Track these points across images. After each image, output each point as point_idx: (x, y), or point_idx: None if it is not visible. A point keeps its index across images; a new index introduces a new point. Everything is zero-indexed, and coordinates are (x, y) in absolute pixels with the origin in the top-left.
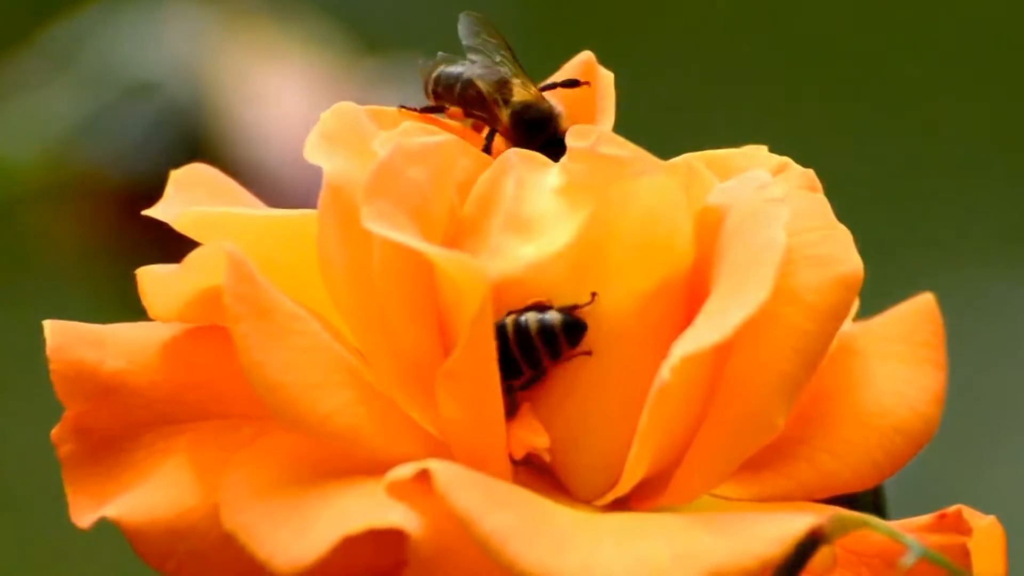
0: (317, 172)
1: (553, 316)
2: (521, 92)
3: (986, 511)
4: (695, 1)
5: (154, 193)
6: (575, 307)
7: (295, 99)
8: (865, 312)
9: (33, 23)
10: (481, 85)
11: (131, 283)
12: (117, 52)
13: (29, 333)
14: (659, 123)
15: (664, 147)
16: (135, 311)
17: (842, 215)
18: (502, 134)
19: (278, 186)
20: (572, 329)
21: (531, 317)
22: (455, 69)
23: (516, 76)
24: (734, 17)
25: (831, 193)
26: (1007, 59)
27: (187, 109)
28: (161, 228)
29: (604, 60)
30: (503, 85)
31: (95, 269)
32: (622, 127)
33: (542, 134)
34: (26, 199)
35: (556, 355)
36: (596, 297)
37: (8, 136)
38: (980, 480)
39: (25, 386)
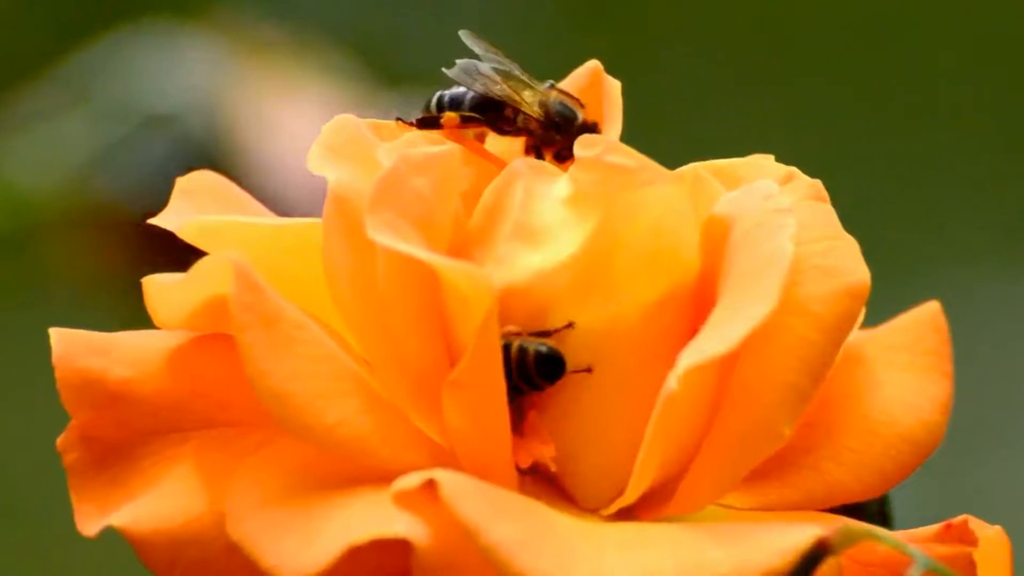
0: None
1: (532, 348)
2: (537, 92)
3: (986, 507)
4: (703, 7)
5: None
6: (546, 333)
7: (312, 132)
8: (867, 312)
9: (51, 54)
10: (498, 91)
11: (145, 312)
12: (134, 83)
13: (45, 362)
14: (666, 127)
15: (671, 151)
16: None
17: (843, 215)
18: (531, 134)
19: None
20: (547, 365)
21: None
22: (457, 89)
23: (525, 80)
24: (740, 21)
25: (832, 194)
26: (1008, 59)
27: (203, 141)
28: (176, 259)
29: (611, 65)
30: (518, 86)
31: (111, 299)
32: (628, 131)
33: (575, 122)
34: (43, 229)
35: (539, 387)
36: (573, 325)
37: (25, 166)
38: (981, 477)
39: (39, 406)
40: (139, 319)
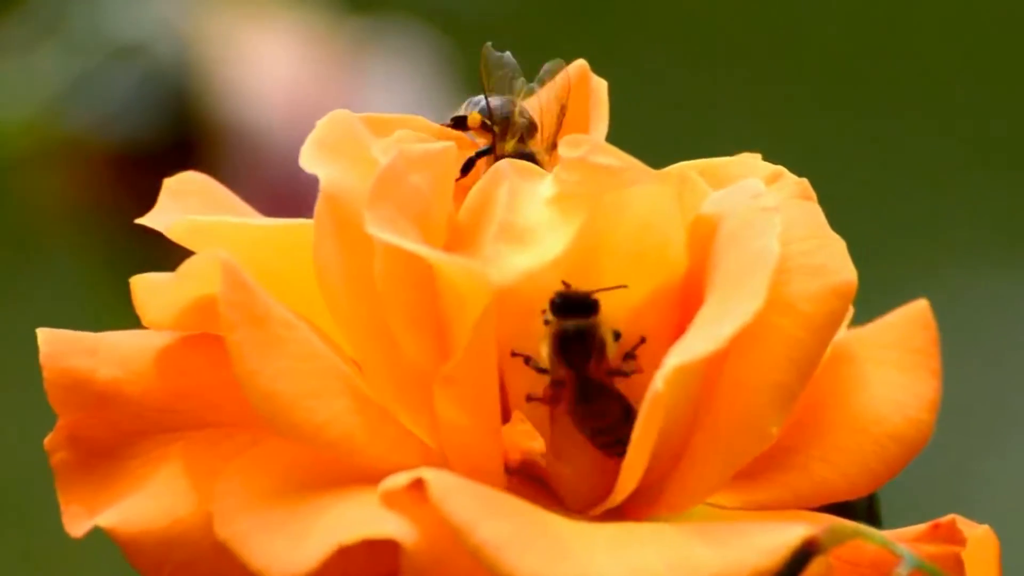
0: (303, 134)
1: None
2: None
3: (980, 508)
4: (693, 8)
5: (141, 155)
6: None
7: (281, 60)
8: (859, 313)
9: None
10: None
11: (121, 244)
12: (104, 15)
13: (20, 301)
14: (654, 125)
15: (659, 148)
16: (123, 286)
17: (838, 215)
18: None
19: (264, 147)
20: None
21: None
22: (497, 103)
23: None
24: (730, 18)
25: (827, 193)
26: (1006, 59)
27: (174, 70)
28: (149, 191)
29: (598, 62)
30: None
31: (84, 230)
32: (617, 129)
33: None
34: (15, 162)
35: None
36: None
37: None
38: (975, 478)
39: (23, 388)
40: (113, 251)
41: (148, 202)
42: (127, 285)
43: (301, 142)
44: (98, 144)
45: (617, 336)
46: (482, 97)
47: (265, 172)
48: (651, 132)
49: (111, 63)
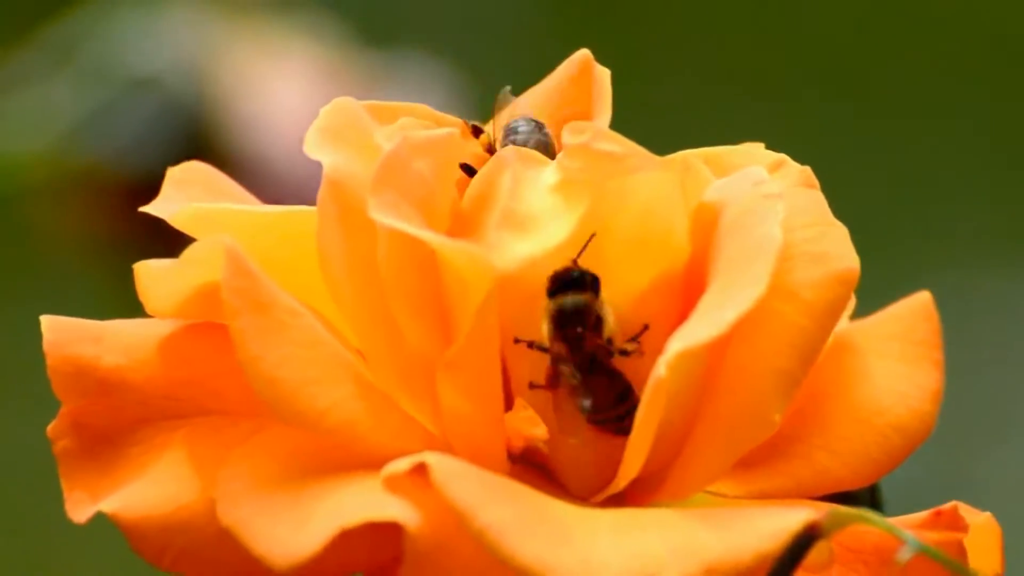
0: (317, 165)
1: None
2: None
3: (983, 507)
4: (696, 11)
5: (156, 187)
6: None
7: (295, 93)
8: (862, 310)
9: (35, 19)
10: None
11: (133, 277)
12: (118, 47)
13: (31, 329)
14: (657, 122)
15: (662, 146)
16: (137, 306)
17: (838, 215)
18: None
19: (279, 179)
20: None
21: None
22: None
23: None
24: (733, 16)
25: (828, 193)
26: (1004, 58)
27: (188, 103)
28: (163, 222)
29: (602, 58)
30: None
31: (98, 263)
32: (620, 125)
33: None
34: (29, 194)
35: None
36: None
37: (10, 131)
38: (977, 476)
39: (26, 382)
40: (124, 284)
41: (161, 234)
42: (139, 310)
43: (313, 175)
44: (112, 176)
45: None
46: (521, 123)
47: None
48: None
49: (126, 95)
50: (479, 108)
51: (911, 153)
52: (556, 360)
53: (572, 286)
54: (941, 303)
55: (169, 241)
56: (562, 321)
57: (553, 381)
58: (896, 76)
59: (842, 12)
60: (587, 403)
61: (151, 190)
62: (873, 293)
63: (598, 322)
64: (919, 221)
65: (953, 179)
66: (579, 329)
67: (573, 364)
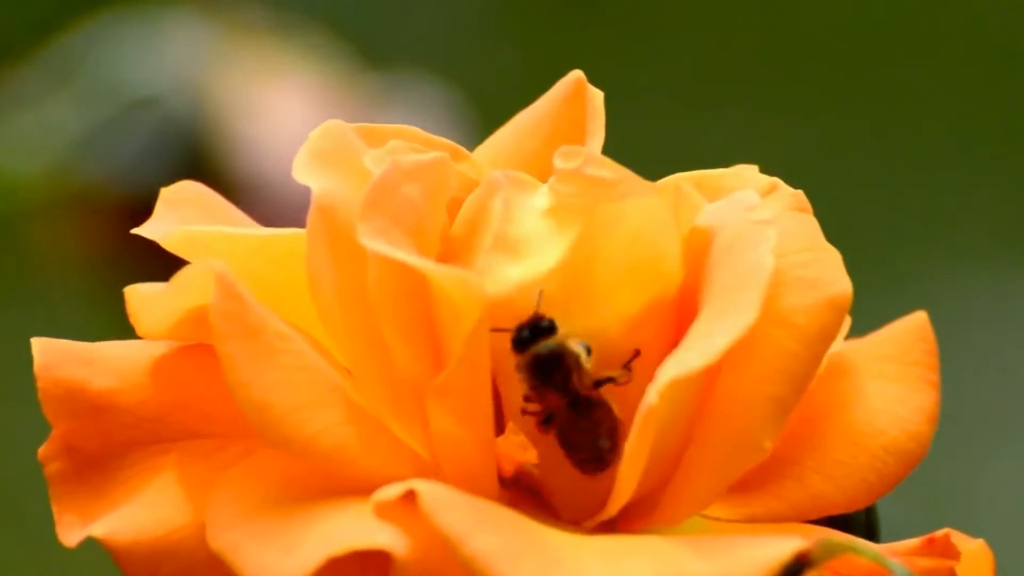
0: None
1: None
2: None
3: (981, 511)
4: (686, 5)
5: (154, 207)
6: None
7: (295, 114)
8: (858, 314)
9: (34, 38)
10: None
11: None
12: (118, 67)
13: (28, 348)
14: (648, 130)
15: (652, 156)
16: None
17: (838, 216)
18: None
19: (277, 200)
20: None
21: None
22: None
23: None
24: (726, 20)
25: (827, 193)
26: (1000, 60)
27: (188, 123)
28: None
29: (594, 66)
30: None
31: (96, 282)
32: (611, 134)
33: None
34: (27, 213)
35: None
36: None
37: (9, 150)
38: (974, 483)
39: (25, 397)
40: (121, 303)
41: (159, 253)
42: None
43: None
44: (112, 196)
45: (588, 350)
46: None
47: (278, 225)
48: (647, 143)
49: (125, 115)
50: (478, 129)
51: (910, 153)
52: (546, 410)
53: (540, 334)
54: (939, 305)
55: (168, 260)
56: (543, 370)
57: (544, 426)
58: (894, 77)
59: (839, 14)
60: (582, 441)
61: (149, 210)
62: (869, 296)
63: (576, 359)
64: (916, 222)
65: (953, 180)
66: (563, 372)
67: (565, 407)
